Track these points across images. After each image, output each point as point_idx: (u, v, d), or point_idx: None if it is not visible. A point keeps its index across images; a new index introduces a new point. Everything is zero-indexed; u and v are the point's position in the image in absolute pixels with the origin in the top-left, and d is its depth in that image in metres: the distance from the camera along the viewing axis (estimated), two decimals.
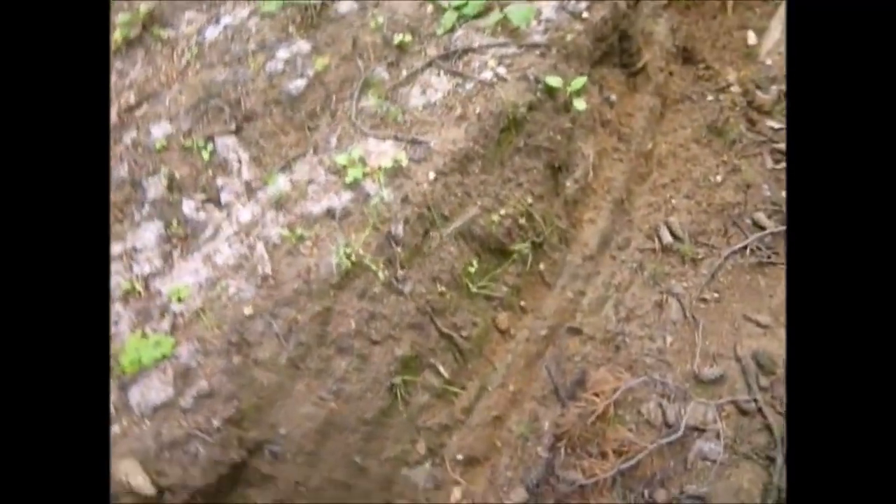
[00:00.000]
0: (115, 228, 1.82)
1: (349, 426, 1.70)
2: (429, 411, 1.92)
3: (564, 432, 2.16)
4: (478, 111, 1.99)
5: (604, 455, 2.15)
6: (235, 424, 1.51)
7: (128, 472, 1.36)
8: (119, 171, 1.91)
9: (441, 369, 1.91)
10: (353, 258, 1.73)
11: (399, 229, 1.80)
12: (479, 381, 2.05)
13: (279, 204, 1.85)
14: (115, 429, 1.48)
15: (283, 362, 1.63)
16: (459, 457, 1.99)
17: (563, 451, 2.17)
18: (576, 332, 2.33)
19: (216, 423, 1.47)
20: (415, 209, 1.83)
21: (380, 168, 1.87)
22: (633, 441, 2.12)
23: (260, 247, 1.76)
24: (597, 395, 2.13)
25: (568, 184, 2.31)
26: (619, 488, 2.11)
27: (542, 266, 2.26)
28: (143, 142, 1.99)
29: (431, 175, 1.88)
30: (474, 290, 2.01)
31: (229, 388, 1.53)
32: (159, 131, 2.00)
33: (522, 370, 2.18)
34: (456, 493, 1.99)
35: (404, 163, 1.88)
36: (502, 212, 2.03)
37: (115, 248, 1.78)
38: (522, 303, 2.21)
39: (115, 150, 1.98)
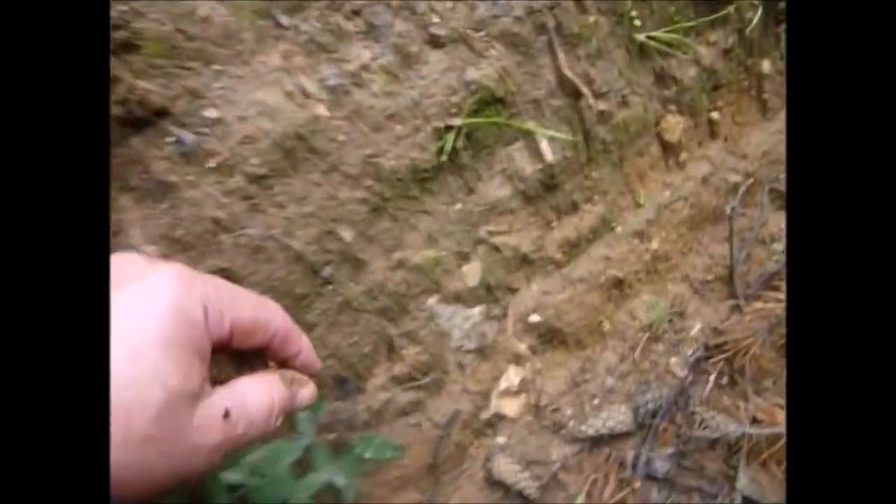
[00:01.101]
0: None
1: (353, 161, 0.91)
2: (502, 217, 1.08)
3: (726, 346, 1.24)
4: None
5: None
6: None
7: None
8: None
9: (545, 149, 1.05)
10: None
11: None
12: (606, 207, 1.17)
13: None
14: None
15: None
16: (535, 318, 1.14)
17: (714, 375, 1.25)
18: None
19: None
20: None
21: None
22: None
23: None
24: None
25: None
26: None
27: (764, 65, 1.29)
28: None
29: None
30: (641, 37, 1.11)
31: None
32: None
33: (682, 225, 1.27)
34: (510, 376, 1.15)
35: None
36: None
37: None
38: (715, 114, 1.27)
39: None
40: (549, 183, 1.07)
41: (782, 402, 1.17)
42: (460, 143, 0.98)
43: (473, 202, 1.05)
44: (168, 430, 0.35)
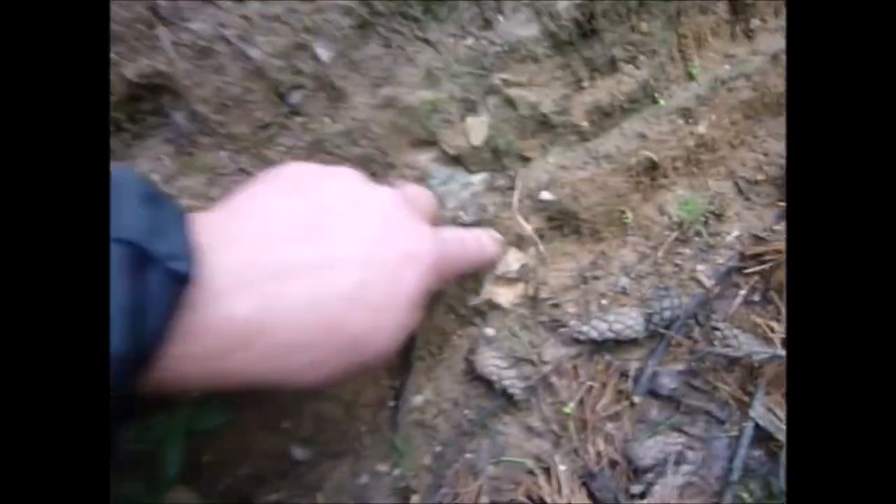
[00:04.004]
0: None
1: None
2: (522, 65, 0.87)
3: (765, 257, 1.06)
4: None
5: None
6: None
7: None
8: None
9: None
10: None
11: None
12: (651, 73, 0.95)
13: None
14: None
15: None
16: (547, 196, 0.95)
17: (745, 289, 1.08)
18: None
19: None
20: None
21: None
22: None
23: None
24: None
25: None
26: None
27: None
28: None
29: None
30: None
31: None
32: None
33: (738, 110, 1.04)
34: (509, 260, 0.98)
35: None
36: None
37: None
38: None
39: None
40: (587, 27, 0.86)
41: None
42: None
43: (489, 39, 0.84)
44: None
